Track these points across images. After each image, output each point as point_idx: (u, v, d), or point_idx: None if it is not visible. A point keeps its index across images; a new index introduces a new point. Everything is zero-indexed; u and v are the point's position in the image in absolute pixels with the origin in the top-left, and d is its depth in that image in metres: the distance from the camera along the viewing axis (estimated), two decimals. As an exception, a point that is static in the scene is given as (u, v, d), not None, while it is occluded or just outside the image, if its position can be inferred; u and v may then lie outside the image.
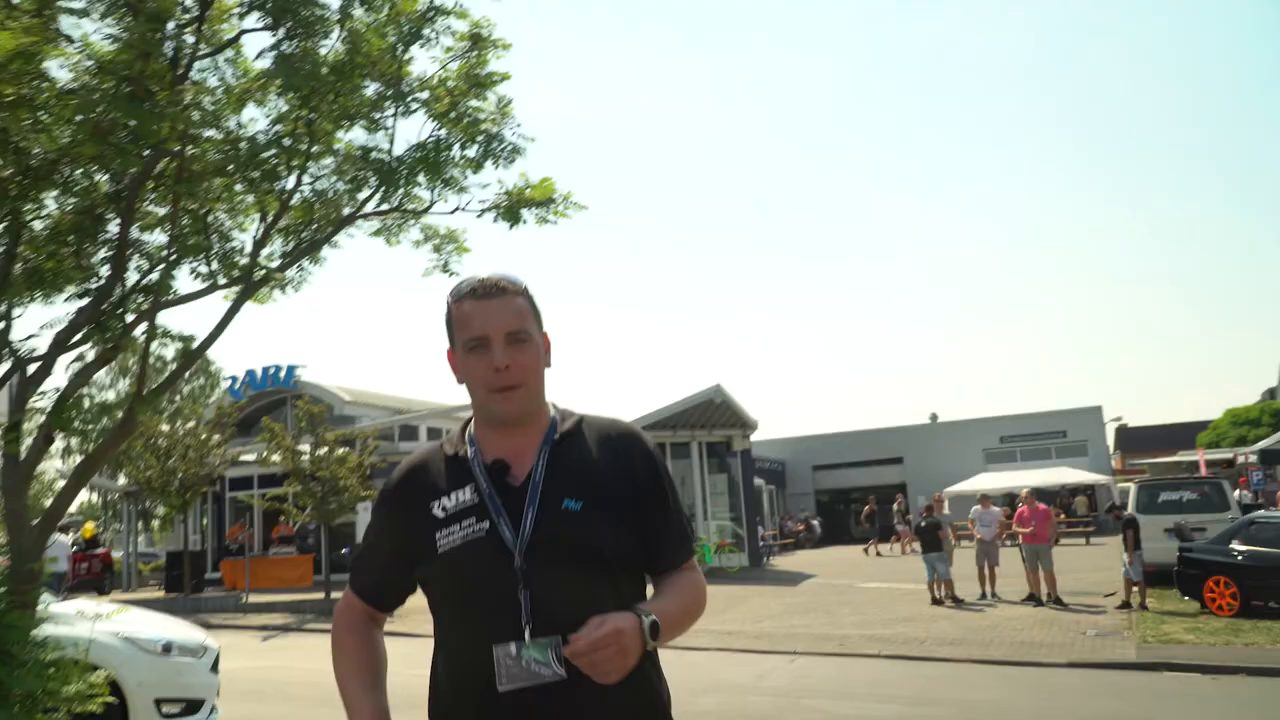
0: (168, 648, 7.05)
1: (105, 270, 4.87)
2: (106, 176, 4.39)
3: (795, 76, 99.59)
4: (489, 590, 1.80)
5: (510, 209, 5.10)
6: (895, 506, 34.33)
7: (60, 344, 4.99)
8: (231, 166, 4.81)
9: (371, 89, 5.09)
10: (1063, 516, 32.61)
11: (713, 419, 27.19)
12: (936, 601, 16.04)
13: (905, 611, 15.49)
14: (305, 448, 20.74)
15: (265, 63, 5.08)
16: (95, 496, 54.58)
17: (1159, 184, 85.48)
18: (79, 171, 4.38)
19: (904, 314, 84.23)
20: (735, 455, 28.32)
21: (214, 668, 7.39)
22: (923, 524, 16.63)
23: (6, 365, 5.00)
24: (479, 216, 5.29)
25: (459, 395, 31.84)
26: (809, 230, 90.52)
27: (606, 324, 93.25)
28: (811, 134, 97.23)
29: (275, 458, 20.98)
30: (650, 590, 1.98)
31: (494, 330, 1.86)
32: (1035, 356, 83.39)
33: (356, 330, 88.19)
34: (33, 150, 4.09)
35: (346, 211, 5.27)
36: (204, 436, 22.27)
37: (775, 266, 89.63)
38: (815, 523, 42.03)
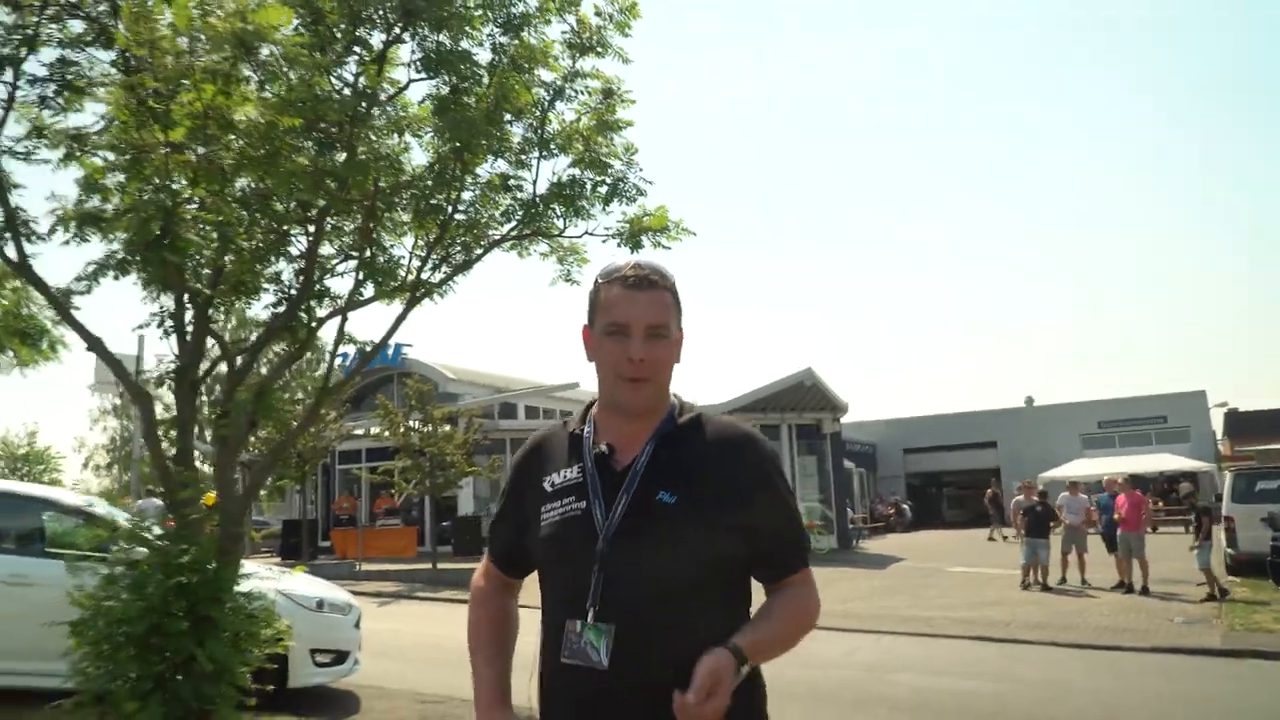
0: (320, 604, 7.96)
1: (288, 278, 5.73)
2: (295, 204, 5.22)
3: (884, 50, 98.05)
4: (572, 567, 1.86)
5: (631, 235, 5.84)
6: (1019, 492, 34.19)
7: (260, 343, 5.91)
8: (402, 198, 5.62)
9: (518, 134, 5.88)
10: (1159, 504, 32.17)
11: (803, 402, 27.58)
12: (1026, 586, 16.32)
13: (993, 595, 15.81)
14: (415, 424, 21.93)
15: (419, 91, 5.95)
16: (207, 467, 57.55)
17: (1271, 153, 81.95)
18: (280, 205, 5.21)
19: (1000, 295, 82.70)
20: (825, 438, 28.65)
21: (356, 624, 8.30)
22: (1038, 508, 16.86)
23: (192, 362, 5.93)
24: (604, 242, 6.06)
25: (556, 375, 32.90)
26: (900, 210, 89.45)
27: (698, 306, 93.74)
28: (899, 108, 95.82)
29: (386, 433, 22.24)
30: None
31: (636, 321, 1.89)
32: (1137, 339, 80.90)
33: (457, 310, 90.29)
34: (240, 185, 4.96)
35: (493, 234, 6.07)
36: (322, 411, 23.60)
37: (869, 248, 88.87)
38: (906, 506, 41.95)
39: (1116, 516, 16.29)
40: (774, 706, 1.98)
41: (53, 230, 5.30)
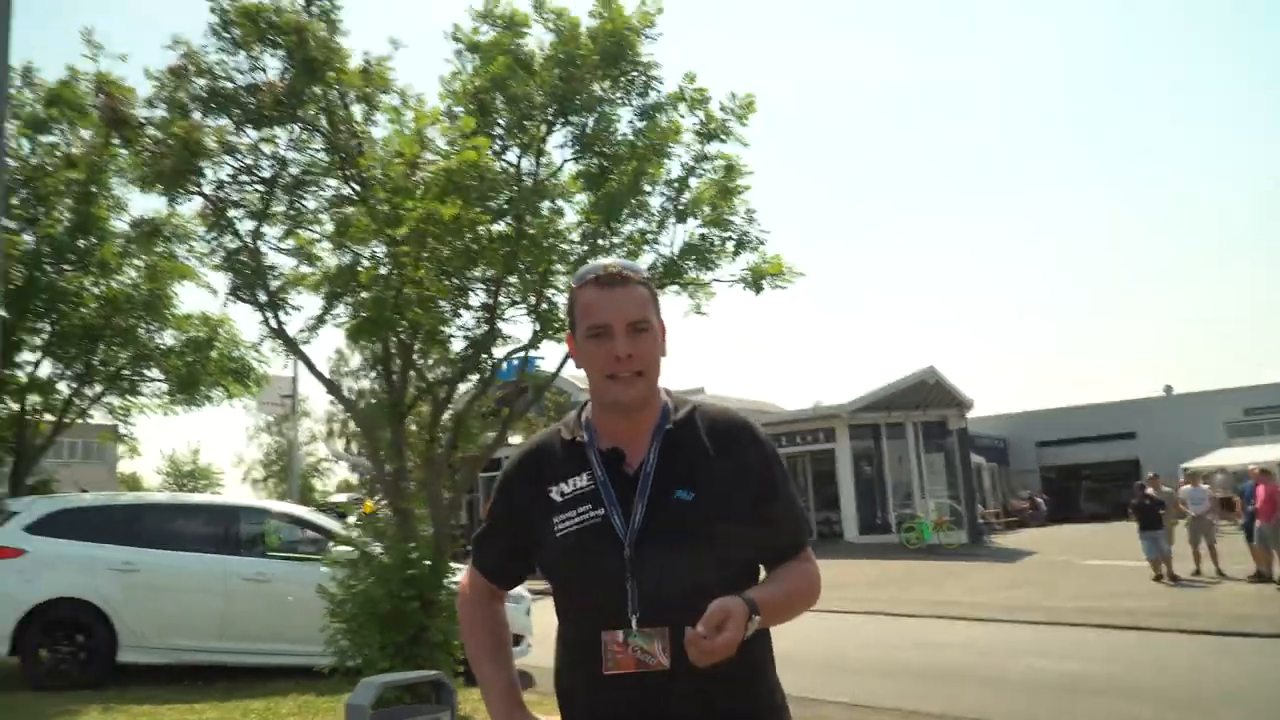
0: (502, 594, 9.33)
1: (471, 325, 7.13)
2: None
3: (1015, 35, 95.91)
4: (600, 577, 1.84)
5: (754, 280, 7.01)
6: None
7: (455, 379, 7.29)
8: (559, 259, 6.92)
9: (656, 204, 7.14)
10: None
11: (927, 399, 28.02)
12: (1158, 579, 16.56)
13: (1122, 587, 16.13)
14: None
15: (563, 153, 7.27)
16: (355, 477, 61.03)
17: None
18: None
19: (1133, 280, 79.97)
20: (951, 434, 28.96)
21: (527, 612, 9.59)
22: (1147, 502, 17.12)
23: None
24: (730, 287, 7.26)
25: (683, 382, 34.12)
26: (1025, 195, 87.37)
27: (816, 307, 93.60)
28: (1027, 96, 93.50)
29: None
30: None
31: (616, 319, 1.89)
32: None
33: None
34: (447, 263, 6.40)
35: None
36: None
37: (994, 238, 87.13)
38: (1041, 500, 41.44)
39: (1252, 507, 16.38)
40: (882, 683, 2.72)
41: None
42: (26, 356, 11.38)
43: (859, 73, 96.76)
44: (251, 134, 6.89)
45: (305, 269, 7.23)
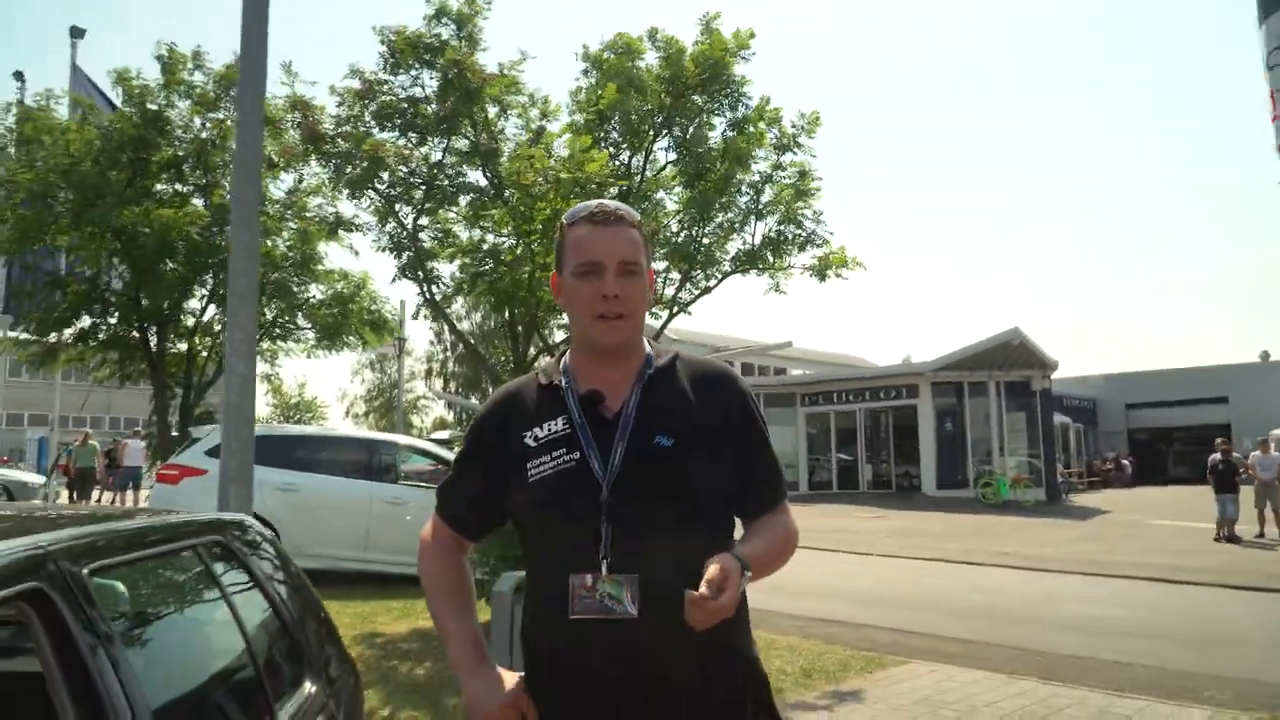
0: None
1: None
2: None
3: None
4: (574, 520, 1.80)
5: (819, 270, 8.27)
6: None
7: (560, 346, 8.77)
8: (660, 246, 8.29)
9: (741, 203, 8.42)
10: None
11: (1010, 360, 28.59)
12: (1219, 539, 17.30)
13: (1184, 545, 16.89)
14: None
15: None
16: (451, 414, 63.71)
17: None
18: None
19: (1231, 246, 77.40)
20: (1034, 394, 29.50)
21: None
22: (1220, 466, 17.83)
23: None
24: (800, 274, 8.54)
25: (771, 335, 35.11)
26: (1125, 161, 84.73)
27: (907, 266, 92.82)
28: (1116, 60, 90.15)
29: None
30: (740, 533, 1.96)
31: (608, 258, 1.84)
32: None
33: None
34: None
35: (726, 269, 8.62)
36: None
37: (1097, 199, 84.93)
38: (1126, 462, 41.49)
39: None
40: (925, 616, 3.28)
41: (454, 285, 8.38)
42: (194, 305, 13.20)
43: (969, 23, 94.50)
44: (418, 146, 8.43)
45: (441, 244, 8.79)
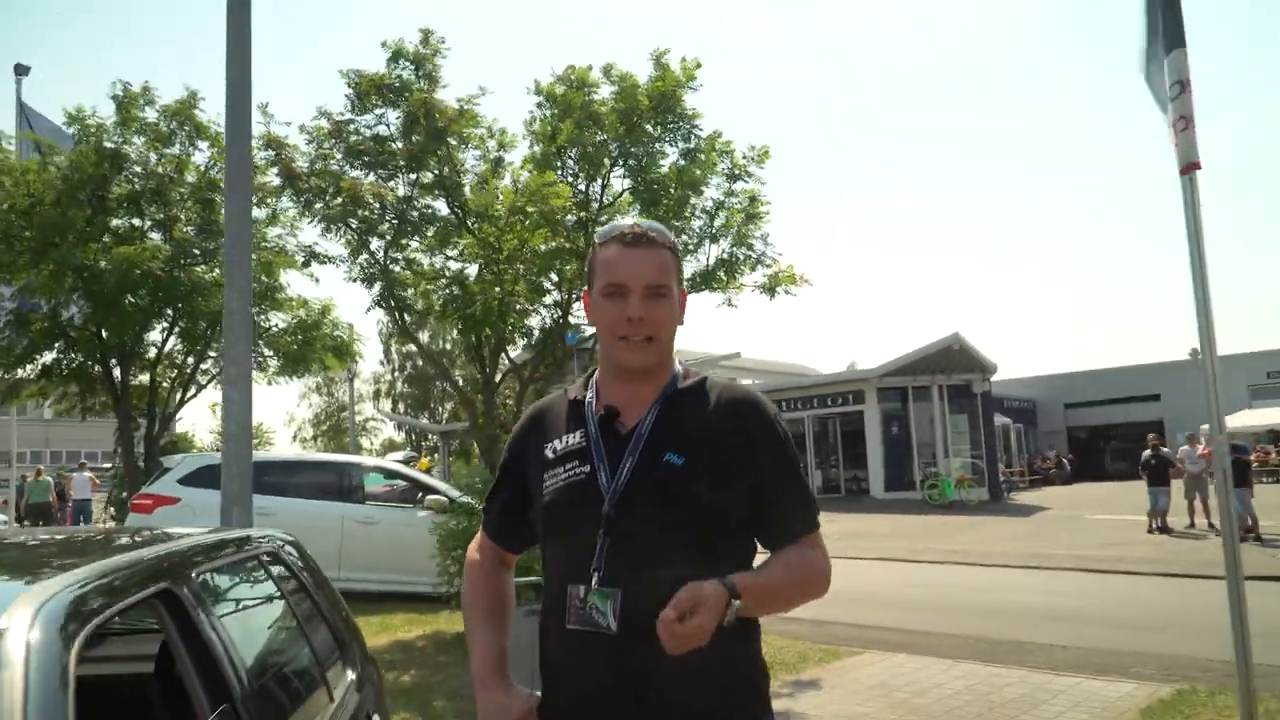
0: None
1: (548, 319, 9.03)
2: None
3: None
4: (576, 531, 1.82)
5: (769, 288, 8.85)
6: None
7: (536, 363, 9.16)
8: None
9: (696, 225, 8.97)
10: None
11: (952, 364, 29.49)
12: (1151, 530, 18.17)
13: (1119, 537, 17.68)
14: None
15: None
16: (401, 435, 63.62)
17: None
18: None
19: (1159, 248, 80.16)
20: (975, 397, 30.42)
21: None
22: (1152, 461, 18.74)
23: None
24: (752, 293, 9.14)
25: (721, 347, 35.77)
26: (1055, 166, 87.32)
27: (847, 273, 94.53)
28: (1040, 68, 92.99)
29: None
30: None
31: (634, 280, 1.84)
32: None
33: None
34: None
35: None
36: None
37: (1028, 203, 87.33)
38: (1065, 460, 42.74)
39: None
40: (882, 611, 3.61)
41: (427, 310, 8.76)
42: (154, 337, 13.38)
43: (907, 35, 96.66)
44: (385, 182, 8.87)
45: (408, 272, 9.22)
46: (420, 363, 56.87)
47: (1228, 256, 78.66)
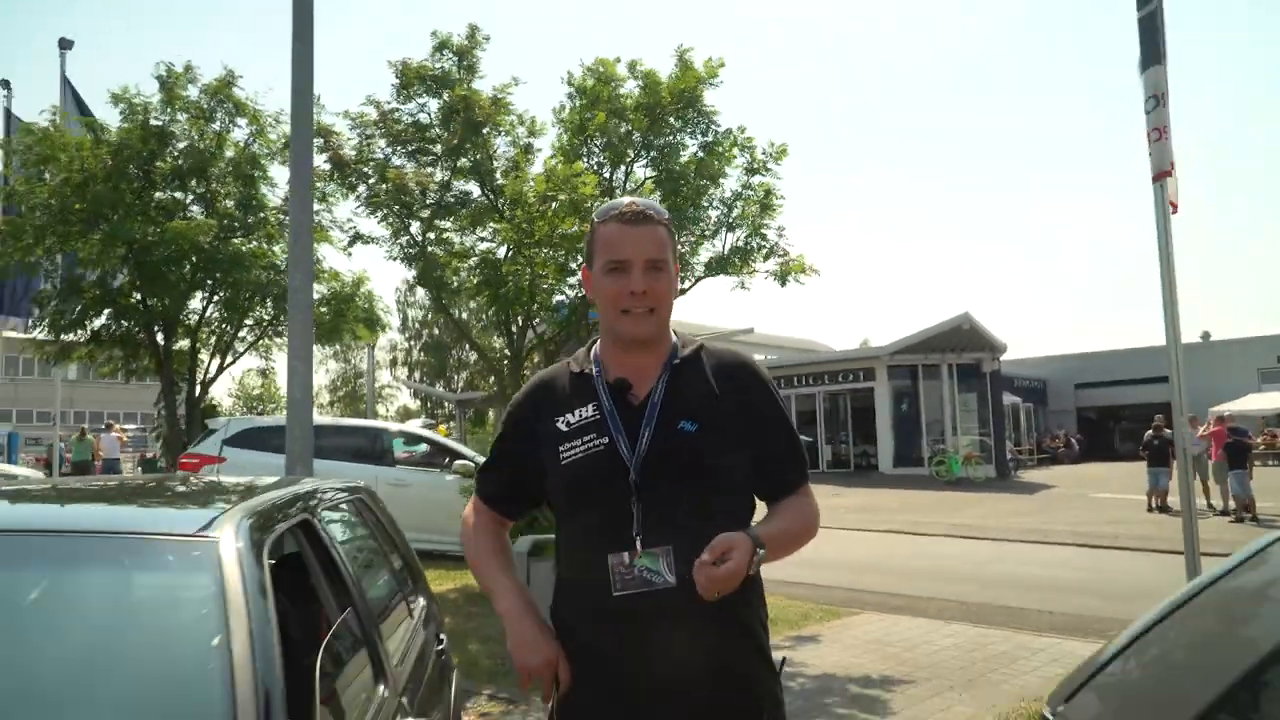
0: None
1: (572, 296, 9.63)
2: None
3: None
4: (606, 502, 1.91)
5: (781, 275, 9.41)
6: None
7: (564, 339, 9.75)
8: None
9: (713, 216, 9.53)
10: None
11: (962, 343, 29.95)
12: (1151, 509, 18.70)
13: (1119, 515, 18.21)
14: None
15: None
16: (417, 403, 64.43)
17: None
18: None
19: (1180, 226, 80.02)
20: (984, 376, 30.88)
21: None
22: (1155, 442, 19.24)
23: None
24: (764, 279, 9.70)
25: (734, 321, 36.28)
26: (1066, 138, 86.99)
27: (862, 250, 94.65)
28: (1055, 45, 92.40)
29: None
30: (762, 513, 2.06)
31: (635, 255, 1.94)
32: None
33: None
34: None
35: (699, 273, 9.73)
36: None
37: (1034, 179, 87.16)
38: (1074, 439, 43.15)
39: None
40: (881, 578, 3.99)
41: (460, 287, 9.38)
42: (195, 305, 14.06)
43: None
44: (424, 168, 9.49)
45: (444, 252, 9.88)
46: (437, 332, 57.84)
47: (1246, 240, 78.48)
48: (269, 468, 11.61)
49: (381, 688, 2.51)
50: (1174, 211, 5.77)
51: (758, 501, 2.09)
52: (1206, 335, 47.33)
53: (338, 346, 58.73)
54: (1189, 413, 23.09)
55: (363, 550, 3.24)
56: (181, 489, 3.07)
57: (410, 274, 9.51)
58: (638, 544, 1.86)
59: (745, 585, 1.84)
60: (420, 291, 55.67)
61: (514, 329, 9.64)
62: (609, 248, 1.98)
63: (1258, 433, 33.98)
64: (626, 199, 2.06)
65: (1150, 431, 19.63)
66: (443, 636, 3.66)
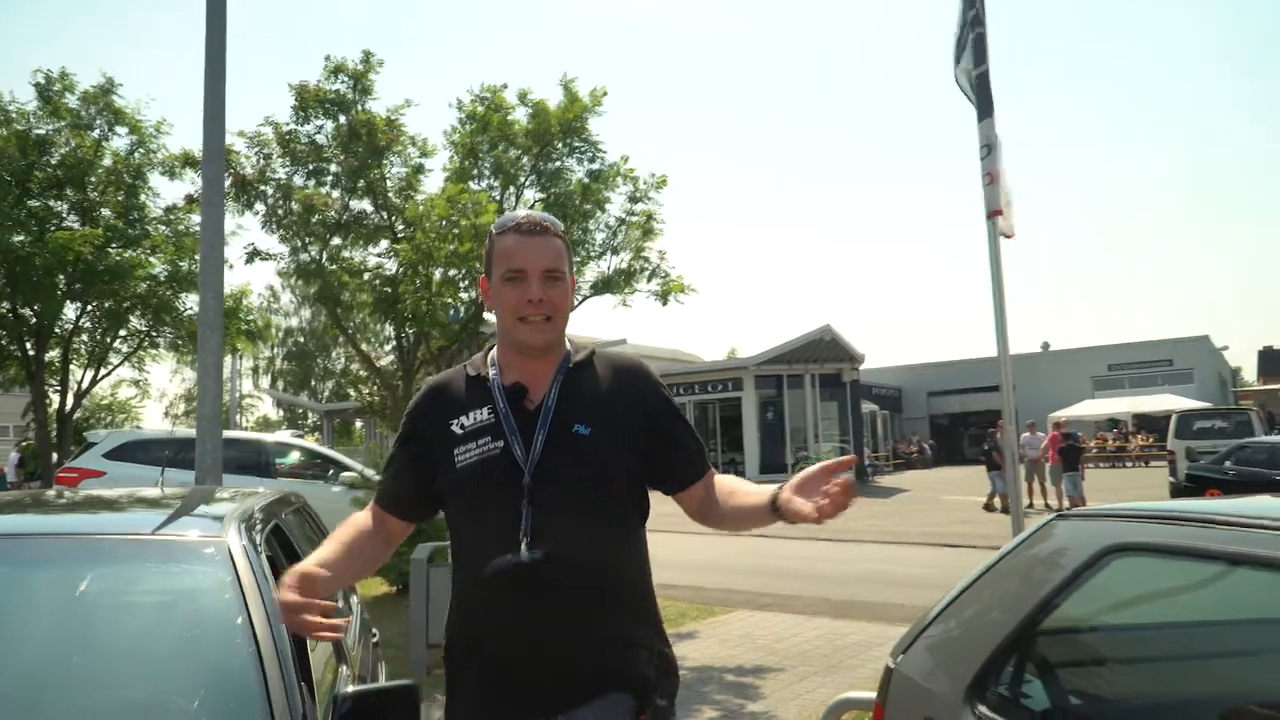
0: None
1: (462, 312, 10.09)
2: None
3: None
4: (498, 503, 1.95)
5: (662, 295, 10.10)
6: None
7: (453, 352, 10.18)
8: None
9: (599, 238, 10.16)
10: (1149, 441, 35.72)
11: (823, 354, 31.38)
12: (990, 510, 20.24)
13: (965, 516, 19.64)
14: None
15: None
16: (279, 413, 62.93)
17: None
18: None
19: (1022, 246, 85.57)
20: (844, 385, 32.45)
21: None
22: (986, 447, 20.84)
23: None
24: (646, 299, 10.38)
25: (607, 334, 36.99)
26: (921, 159, 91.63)
27: (730, 262, 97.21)
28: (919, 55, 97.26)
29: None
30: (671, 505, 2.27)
31: (533, 265, 1.99)
32: (1144, 287, 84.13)
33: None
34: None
35: (586, 293, 10.30)
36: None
37: (893, 198, 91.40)
38: (926, 445, 45.44)
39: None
40: (754, 579, 4.51)
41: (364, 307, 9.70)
42: (69, 314, 13.79)
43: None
44: (321, 187, 9.78)
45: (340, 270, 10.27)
46: (302, 340, 56.77)
47: (1087, 257, 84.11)
48: (150, 482, 11.51)
49: (344, 665, 2.99)
50: (1009, 237, 6.61)
51: (650, 505, 2.19)
52: (1046, 345, 50.56)
53: (192, 357, 57.02)
54: (1029, 419, 25.21)
55: (315, 544, 3.69)
56: (170, 500, 3.46)
57: (310, 290, 9.72)
58: (523, 546, 1.90)
59: (613, 575, 2.00)
60: (285, 298, 54.85)
61: (404, 344, 10.02)
62: (507, 257, 2.03)
63: (1092, 436, 36.64)
64: (524, 212, 2.10)
65: (997, 438, 21.19)
66: (375, 632, 4.12)
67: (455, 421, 2.04)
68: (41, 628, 2.31)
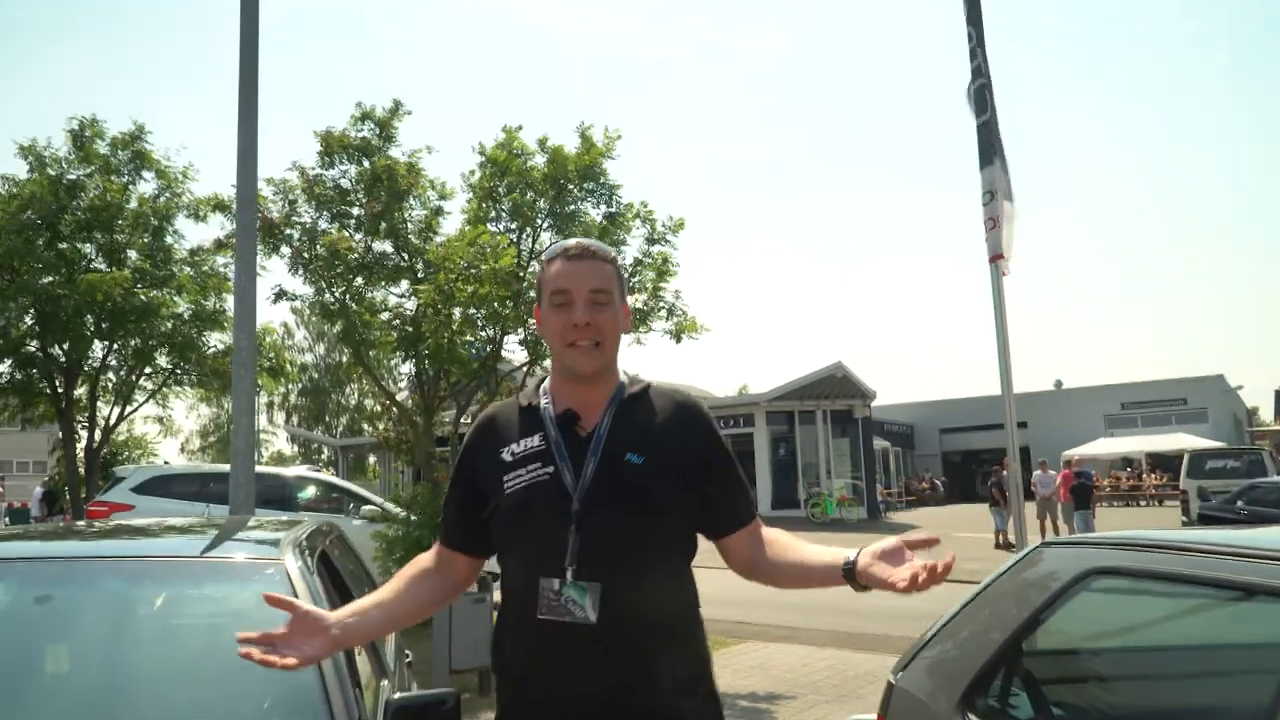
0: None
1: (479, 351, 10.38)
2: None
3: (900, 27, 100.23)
4: (545, 529, 1.91)
5: (676, 334, 10.38)
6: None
7: (473, 390, 10.45)
8: None
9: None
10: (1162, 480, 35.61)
11: (835, 391, 31.51)
12: (998, 546, 20.36)
13: (977, 553, 19.70)
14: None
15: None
16: (293, 448, 63.24)
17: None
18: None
19: (1037, 283, 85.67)
20: (856, 422, 32.52)
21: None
22: (990, 484, 21.00)
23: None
24: (661, 337, 10.67)
25: (625, 366, 37.20)
26: (935, 200, 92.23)
27: (741, 299, 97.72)
28: (929, 95, 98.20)
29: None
30: (719, 549, 2.16)
31: (578, 288, 1.96)
32: (1159, 325, 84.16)
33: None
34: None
35: None
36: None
37: (907, 236, 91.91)
38: (939, 482, 45.38)
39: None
40: (767, 612, 4.67)
41: (386, 345, 10.02)
42: (96, 352, 14.15)
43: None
44: (345, 230, 10.19)
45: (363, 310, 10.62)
46: (316, 376, 57.25)
47: (1103, 295, 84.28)
48: (174, 514, 11.84)
49: (384, 680, 3.24)
50: (1004, 275, 6.84)
51: (698, 545, 2.11)
52: (1059, 383, 50.48)
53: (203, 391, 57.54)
54: (1041, 457, 25.34)
55: (354, 572, 3.94)
56: (225, 528, 3.73)
57: (333, 329, 10.05)
58: (568, 574, 1.86)
59: (671, 628, 1.97)
60: (299, 335, 55.45)
61: (425, 382, 10.33)
62: (553, 282, 2.01)
63: (1105, 475, 36.59)
64: (574, 239, 2.09)
65: (1004, 474, 21.36)
66: (408, 653, 4.36)
67: (506, 449, 2.02)
68: (125, 641, 2.57)
